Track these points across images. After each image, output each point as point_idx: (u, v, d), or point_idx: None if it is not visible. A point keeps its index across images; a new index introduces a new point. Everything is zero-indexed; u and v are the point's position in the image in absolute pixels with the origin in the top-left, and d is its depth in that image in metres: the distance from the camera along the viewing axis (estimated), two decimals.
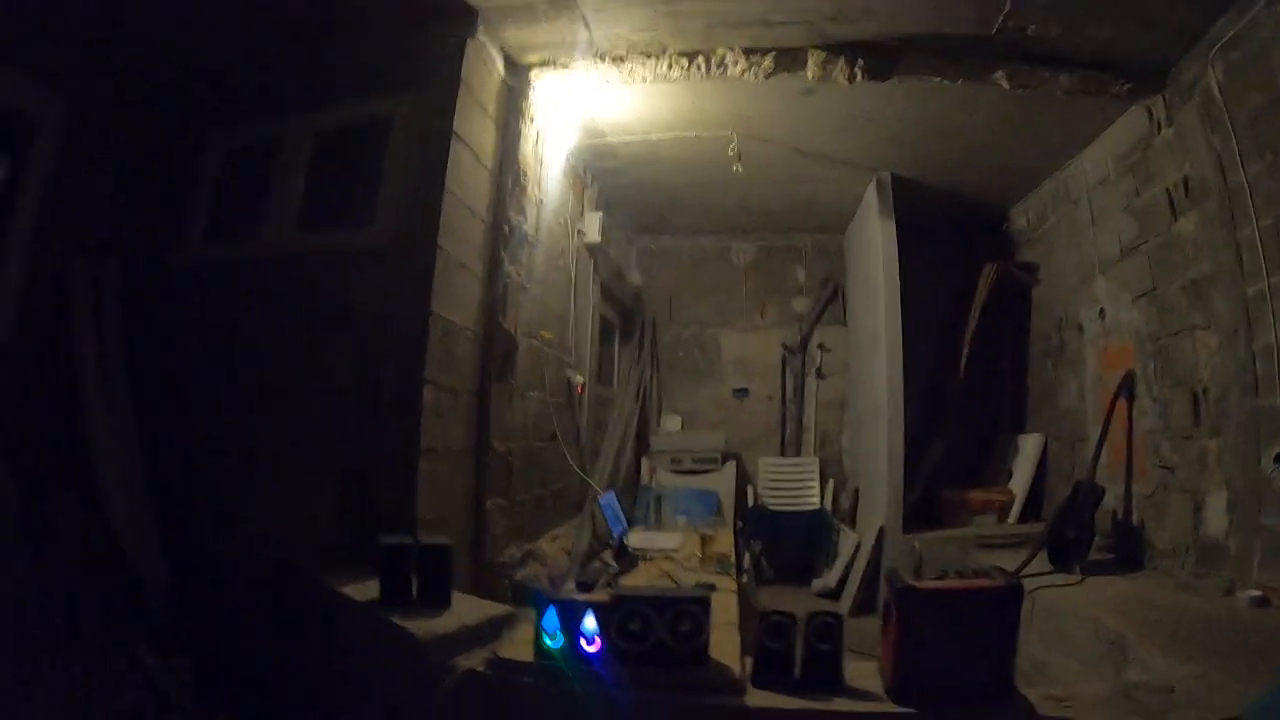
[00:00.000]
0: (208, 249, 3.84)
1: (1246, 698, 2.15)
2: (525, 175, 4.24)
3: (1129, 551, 4.54)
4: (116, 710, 2.46)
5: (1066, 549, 4.33)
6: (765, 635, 2.22)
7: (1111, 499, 4.68)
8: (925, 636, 2.10)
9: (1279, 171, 3.42)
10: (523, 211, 4.23)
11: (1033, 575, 4.13)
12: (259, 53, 3.73)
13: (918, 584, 2.21)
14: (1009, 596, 2.15)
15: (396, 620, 2.47)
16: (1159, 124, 4.31)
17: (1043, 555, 4.38)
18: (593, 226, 5.64)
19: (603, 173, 5.86)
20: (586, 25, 3.83)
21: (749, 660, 2.29)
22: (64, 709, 2.36)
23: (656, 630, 2.19)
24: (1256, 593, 3.40)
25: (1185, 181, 4.10)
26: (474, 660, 2.30)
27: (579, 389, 5.45)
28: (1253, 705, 2.09)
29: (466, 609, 2.65)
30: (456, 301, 3.60)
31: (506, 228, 4.05)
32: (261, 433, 3.45)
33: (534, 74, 4.17)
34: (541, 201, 4.60)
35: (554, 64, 4.14)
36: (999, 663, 2.13)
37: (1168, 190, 4.26)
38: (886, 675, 2.18)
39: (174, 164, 3.88)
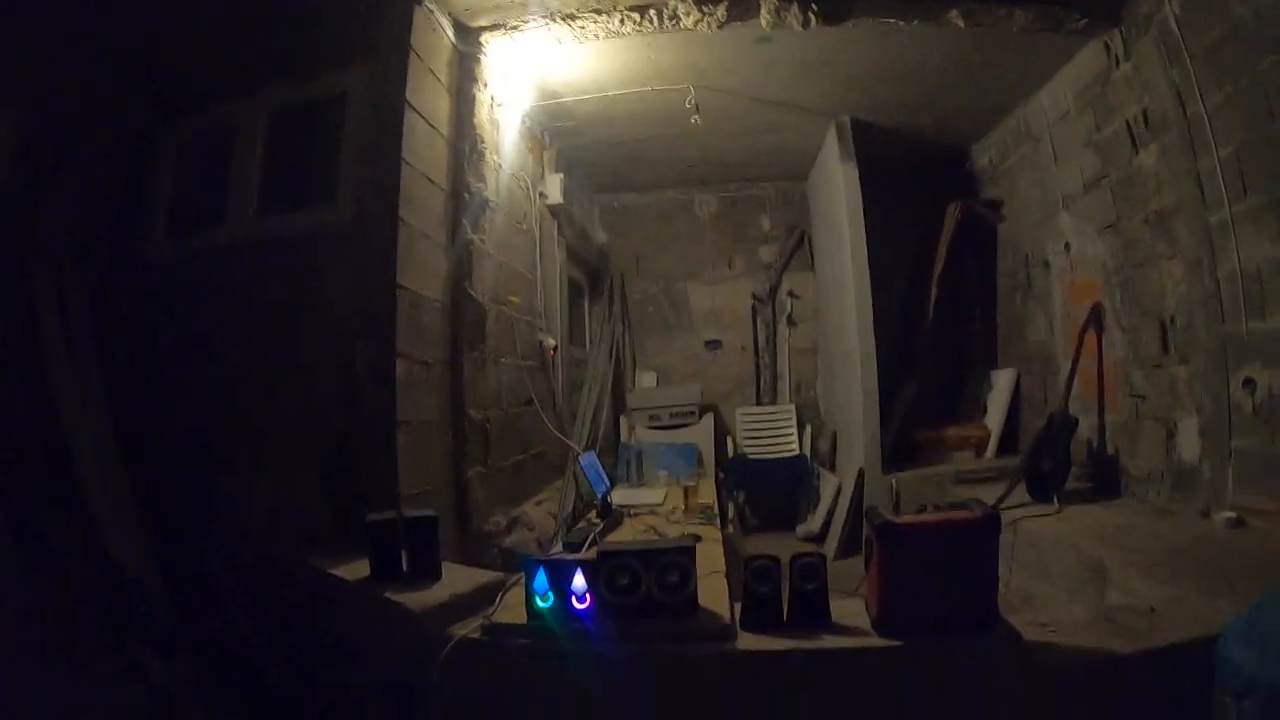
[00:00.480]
0: (171, 243, 3.78)
1: (1226, 616, 2.21)
2: (482, 141, 4.20)
3: (1105, 480, 4.65)
4: (119, 712, 2.45)
5: (1044, 480, 4.42)
6: (751, 579, 2.26)
7: (1085, 429, 4.78)
8: (907, 570, 2.15)
9: (1237, 102, 3.45)
10: (482, 177, 4.19)
11: (1012, 507, 4.22)
12: (205, 34, 3.63)
13: (896, 519, 2.25)
14: (987, 526, 2.19)
15: (389, 595, 2.48)
16: (1116, 58, 4.34)
17: (1021, 487, 4.47)
18: (554, 188, 5.60)
19: (561, 133, 5.80)
20: None
21: (737, 606, 2.33)
22: (66, 712, 2.35)
23: (645, 583, 2.21)
24: (1232, 514, 3.50)
25: (1145, 114, 4.14)
26: (469, 628, 2.32)
27: (551, 352, 5.45)
28: (1233, 623, 2.15)
29: (458, 578, 2.66)
30: (422, 273, 3.58)
31: (467, 195, 4.01)
32: (240, 422, 3.42)
33: (485, 38, 4.10)
34: (500, 166, 4.55)
35: (504, 27, 4.06)
36: (982, 592, 2.17)
37: (1128, 124, 4.31)
38: (872, 610, 2.23)
39: (130, 160, 3.80)
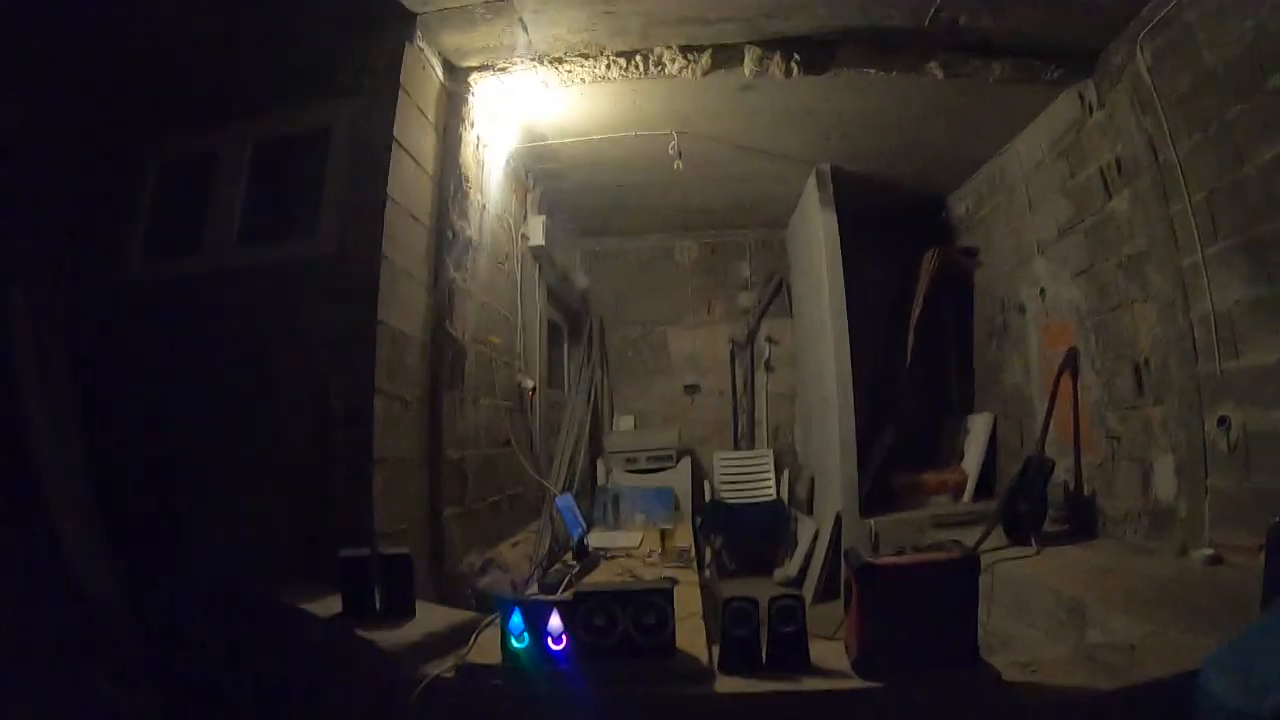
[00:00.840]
0: (149, 267, 3.74)
1: (1206, 651, 2.22)
2: (467, 180, 4.23)
3: (1083, 521, 4.69)
4: None
5: (1022, 523, 4.45)
6: (729, 621, 2.24)
7: (1062, 471, 4.82)
8: (886, 611, 2.14)
9: (1208, 148, 3.54)
10: (465, 216, 4.20)
11: (990, 550, 4.23)
12: (194, 62, 3.65)
13: (876, 560, 2.25)
14: (966, 567, 2.20)
15: (361, 633, 2.44)
16: (1090, 107, 4.44)
17: (999, 530, 4.49)
18: (536, 230, 5.63)
19: (545, 175, 5.85)
20: (524, 28, 3.82)
21: (715, 648, 2.31)
22: None
23: (621, 624, 2.19)
24: (1209, 551, 3.52)
25: (1118, 161, 4.23)
26: (442, 667, 2.27)
27: (530, 394, 5.43)
28: (1212, 656, 2.15)
29: (431, 617, 2.62)
30: (403, 309, 3.57)
31: (450, 233, 4.02)
32: (214, 453, 3.36)
33: (473, 78, 4.14)
34: (484, 206, 4.58)
35: (493, 68, 4.12)
36: (962, 633, 2.17)
37: (1101, 170, 4.40)
38: (851, 652, 2.21)
39: (111, 181, 3.78)
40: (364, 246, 3.35)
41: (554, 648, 2.20)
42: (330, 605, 2.63)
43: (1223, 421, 3.53)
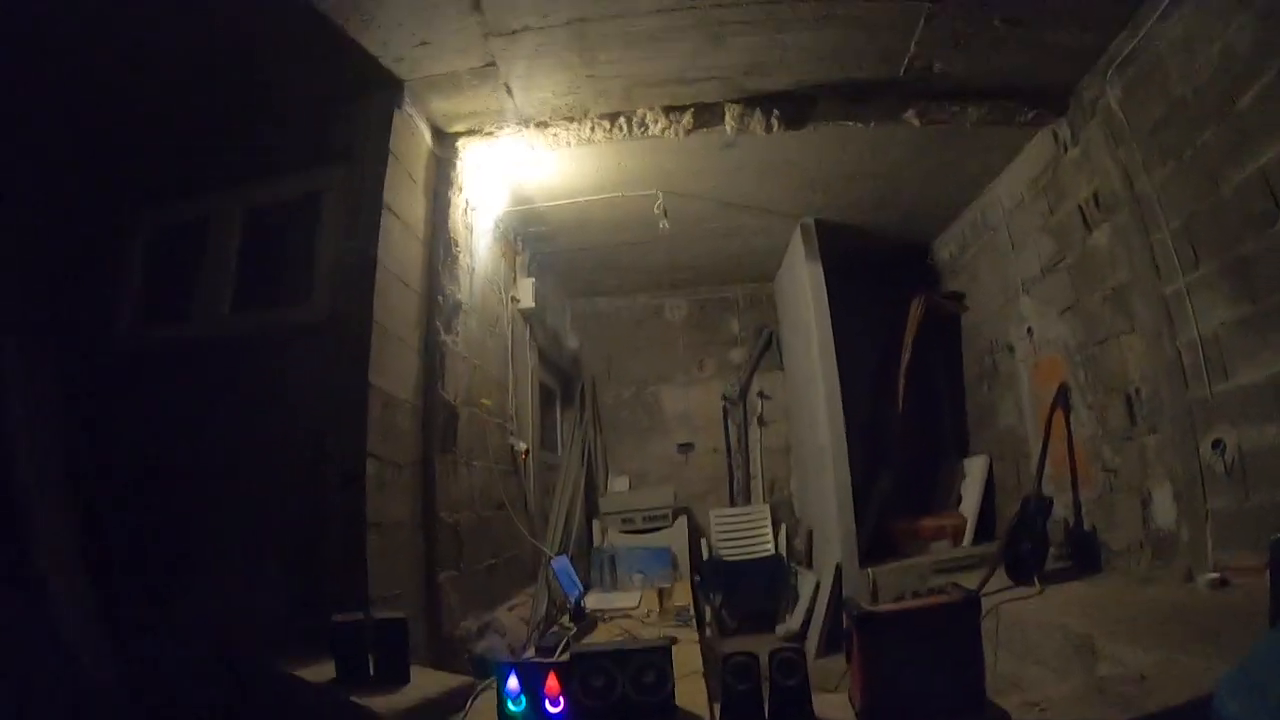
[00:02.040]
0: (142, 331, 3.74)
1: (1217, 674, 2.19)
2: (457, 244, 4.27)
3: (1085, 556, 4.66)
4: None
5: (1023, 562, 4.41)
6: (730, 677, 2.20)
7: (1061, 508, 4.82)
8: (889, 659, 2.11)
9: (1182, 175, 3.62)
10: (455, 280, 4.24)
11: (993, 592, 4.19)
12: (187, 129, 3.70)
13: (876, 609, 2.23)
14: (967, 608, 2.17)
15: (355, 699, 2.39)
16: (1065, 145, 4.54)
17: (1001, 572, 4.45)
18: (526, 292, 5.67)
19: (533, 238, 5.91)
20: (510, 93, 3.91)
21: (717, 706, 2.27)
22: None
23: (620, 684, 2.16)
24: (1214, 575, 3.49)
25: (1095, 196, 4.32)
26: None
27: (523, 455, 5.41)
28: (1225, 678, 2.12)
29: (427, 682, 2.59)
30: (394, 373, 3.58)
31: (440, 297, 4.05)
32: (204, 517, 3.33)
33: (461, 143, 4.22)
34: (474, 269, 4.62)
35: (480, 132, 4.20)
36: (967, 676, 2.13)
37: (1080, 206, 4.48)
38: (856, 702, 2.18)
39: (104, 246, 3.80)
40: (355, 311, 3.37)
41: (552, 711, 2.17)
42: (324, 671, 2.57)
43: (1217, 444, 3.54)
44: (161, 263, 3.86)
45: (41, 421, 3.20)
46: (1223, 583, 3.45)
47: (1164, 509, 4.03)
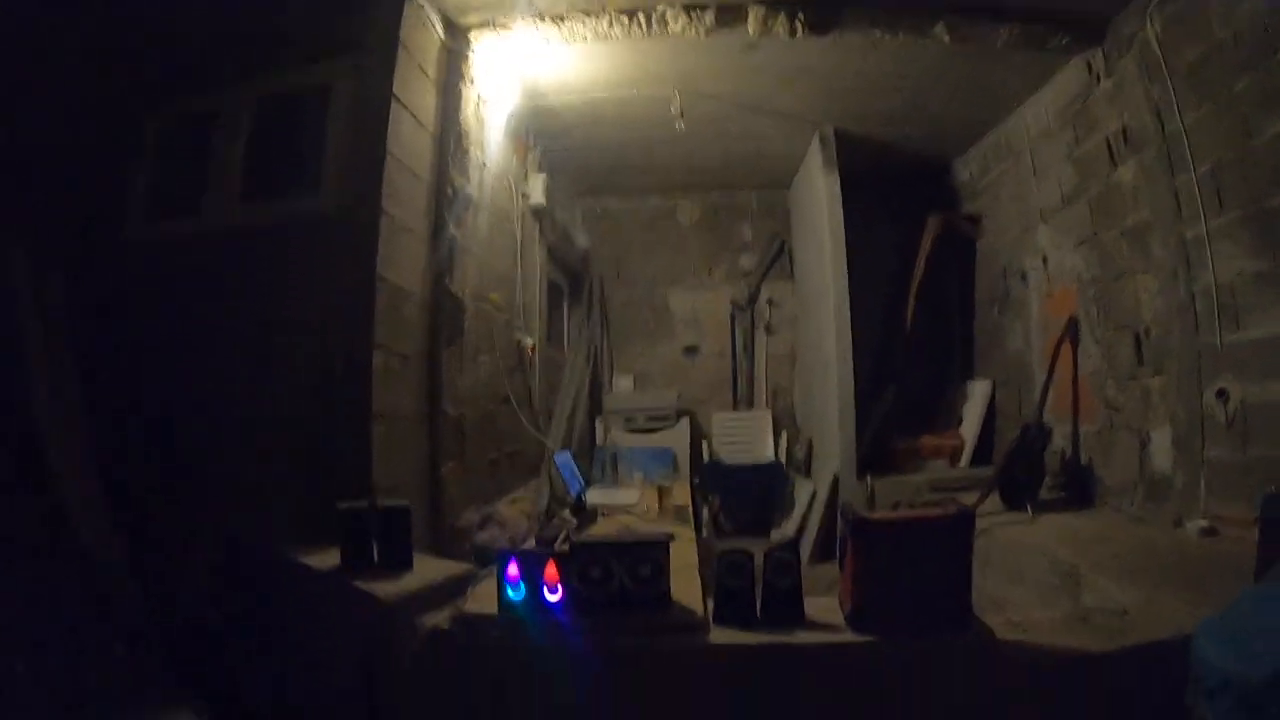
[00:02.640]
0: (151, 229, 3.72)
1: (1199, 618, 2.25)
2: (467, 138, 4.20)
3: (1079, 489, 4.72)
4: (81, 696, 2.42)
5: (1018, 489, 4.48)
6: (724, 573, 2.26)
7: (1059, 439, 4.87)
8: (882, 566, 2.15)
9: (1215, 120, 3.52)
10: (466, 174, 4.19)
11: (986, 515, 4.27)
12: (196, 22, 3.60)
13: (872, 515, 2.27)
14: (961, 523, 2.20)
15: (359, 584, 2.45)
16: (1098, 76, 4.41)
17: (995, 496, 4.53)
18: (537, 189, 5.61)
19: (545, 134, 5.81)
20: None
21: (710, 602, 2.34)
22: (42, 711, 2.32)
23: (617, 576, 2.22)
24: (1204, 523, 3.55)
25: (1124, 131, 4.21)
26: (439, 618, 2.30)
27: (529, 351, 5.45)
28: (1205, 623, 2.18)
29: (429, 569, 2.65)
30: (403, 266, 3.57)
31: (450, 190, 4.01)
32: (214, 411, 3.37)
33: (473, 35, 4.10)
34: (484, 164, 4.56)
35: (493, 25, 4.07)
36: (956, 590, 2.19)
37: (1107, 140, 4.38)
38: (846, 606, 2.24)
39: (113, 143, 3.74)
40: (364, 203, 3.34)
41: (550, 599, 2.23)
42: (329, 559, 2.64)
43: (1221, 394, 3.54)
44: (172, 157, 3.80)
45: (54, 333, 3.22)
46: (1212, 531, 3.51)
47: (1162, 452, 4.06)
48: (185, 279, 3.53)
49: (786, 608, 2.27)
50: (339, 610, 2.56)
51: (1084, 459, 4.79)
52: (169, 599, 3.01)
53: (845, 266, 5.87)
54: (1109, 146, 4.37)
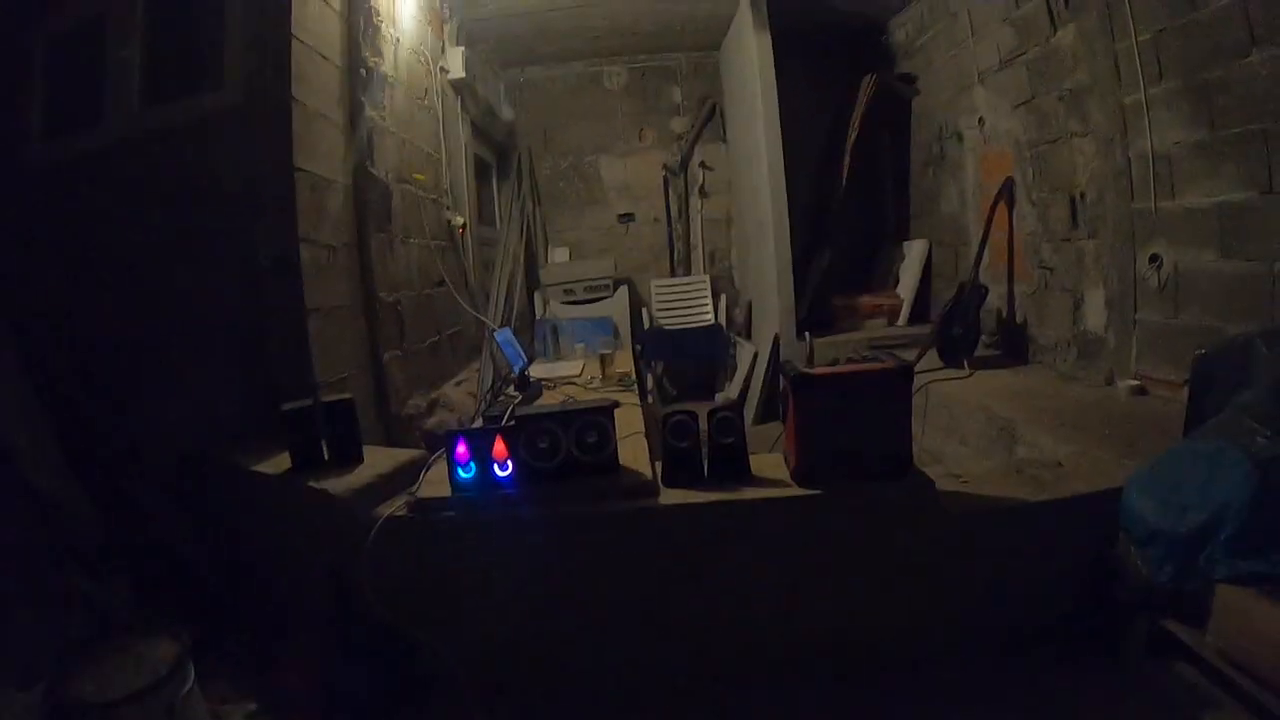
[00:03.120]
0: (51, 146, 3.44)
1: (1129, 471, 2.39)
2: (378, 14, 4.01)
3: (1013, 347, 4.91)
4: (64, 643, 2.42)
5: (955, 346, 4.63)
6: (670, 435, 2.33)
7: (995, 298, 5.01)
8: (823, 420, 2.24)
9: None
10: (379, 52, 4.02)
11: (924, 372, 4.41)
12: None
13: (812, 371, 2.33)
14: (900, 376, 2.29)
15: (312, 484, 2.46)
16: None
17: (933, 353, 4.67)
18: (455, 62, 5.41)
19: (461, 4, 5.58)
20: None
21: (658, 465, 2.41)
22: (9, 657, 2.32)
23: (565, 445, 2.28)
24: (1135, 382, 3.74)
25: None
26: (394, 506, 2.35)
27: (460, 231, 5.36)
28: (1134, 477, 2.32)
29: (380, 460, 2.67)
30: (320, 153, 3.44)
31: (363, 71, 3.84)
32: (145, 327, 3.25)
33: None
34: (398, 40, 4.37)
35: None
36: (896, 442, 2.28)
37: (1047, 3, 4.30)
38: (790, 461, 2.33)
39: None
40: (273, 90, 3.17)
41: (500, 474, 2.29)
42: (281, 462, 2.64)
43: (1154, 259, 3.65)
44: (64, 70, 3.51)
45: None
46: (1141, 391, 3.69)
47: (1094, 313, 4.19)
48: (98, 195, 3.31)
49: (732, 465, 2.36)
50: (295, 512, 2.58)
51: (1019, 318, 4.94)
52: (128, 525, 2.99)
53: (778, 128, 5.81)
54: (1049, 9, 4.30)
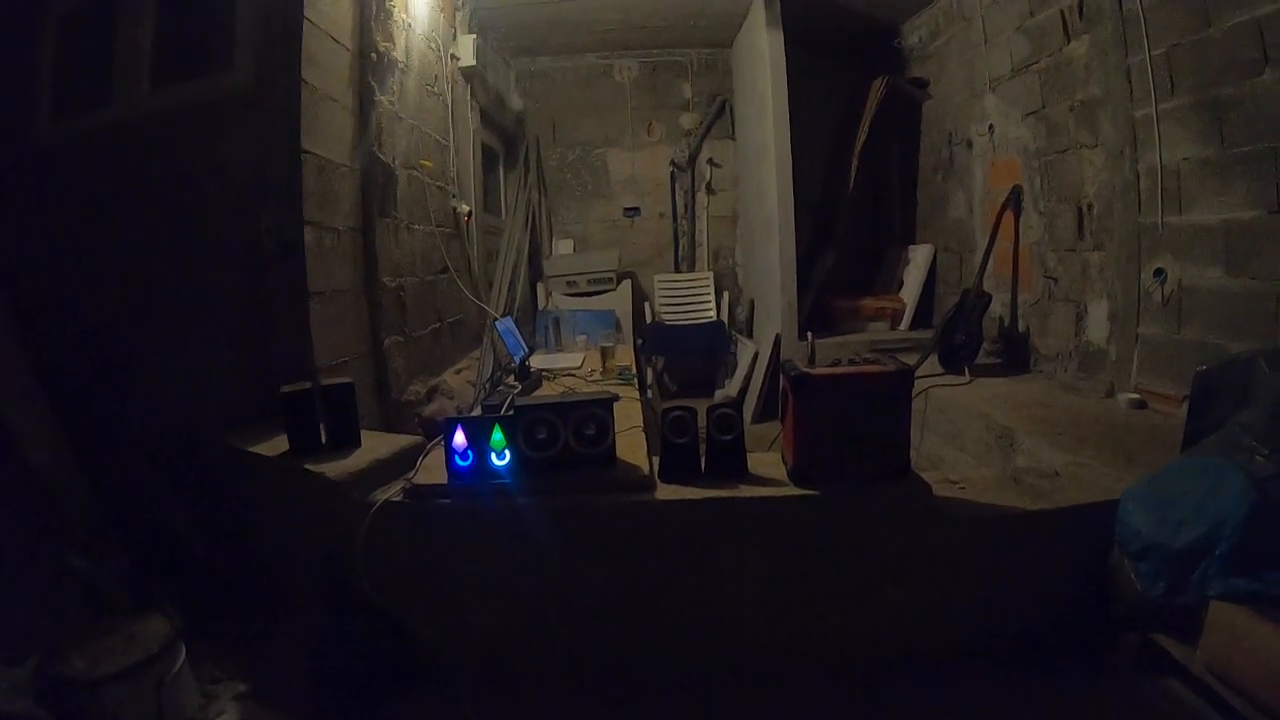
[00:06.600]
0: (59, 125, 3.44)
1: (1126, 484, 2.38)
2: None
3: (1015, 356, 4.89)
4: (56, 621, 2.43)
5: (956, 353, 4.63)
6: (668, 430, 2.33)
7: (998, 306, 5.00)
8: (822, 420, 2.23)
9: (1172, 3, 3.46)
10: (390, 37, 4.00)
11: (925, 377, 4.41)
12: None
13: (812, 370, 2.32)
14: (900, 380, 2.28)
15: (309, 467, 2.46)
16: None
17: (934, 359, 4.66)
18: (466, 50, 5.39)
19: None
20: None
21: (656, 460, 2.41)
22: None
23: (563, 436, 2.28)
24: (1135, 395, 3.73)
25: (1080, 5, 4.12)
26: (391, 492, 2.35)
27: (465, 218, 5.36)
28: (1131, 490, 2.32)
29: (377, 445, 2.67)
30: (329, 136, 3.43)
31: (374, 55, 3.83)
32: (147, 307, 3.25)
33: None
34: (410, 26, 4.36)
35: None
36: (895, 445, 2.27)
37: (1062, 12, 4.29)
38: (788, 461, 2.33)
39: (7, 43, 3.43)
40: (283, 73, 3.16)
41: (497, 463, 2.28)
42: (278, 445, 2.63)
43: (1159, 273, 3.65)
44: (75, 50, 3.48)
45: None
46: (1142, 404, 3.69)
47: (1097, 325, 4.19)
48: (105, 175, 3.32)
49: (730, 462, 2.35)
50: (292, 495, 2.58)
51: (1021, 327, 4.93)
52: (125, 505, 2.99)
53: (787, 127, 5.79)
54: (1064, 19, 4.29)
